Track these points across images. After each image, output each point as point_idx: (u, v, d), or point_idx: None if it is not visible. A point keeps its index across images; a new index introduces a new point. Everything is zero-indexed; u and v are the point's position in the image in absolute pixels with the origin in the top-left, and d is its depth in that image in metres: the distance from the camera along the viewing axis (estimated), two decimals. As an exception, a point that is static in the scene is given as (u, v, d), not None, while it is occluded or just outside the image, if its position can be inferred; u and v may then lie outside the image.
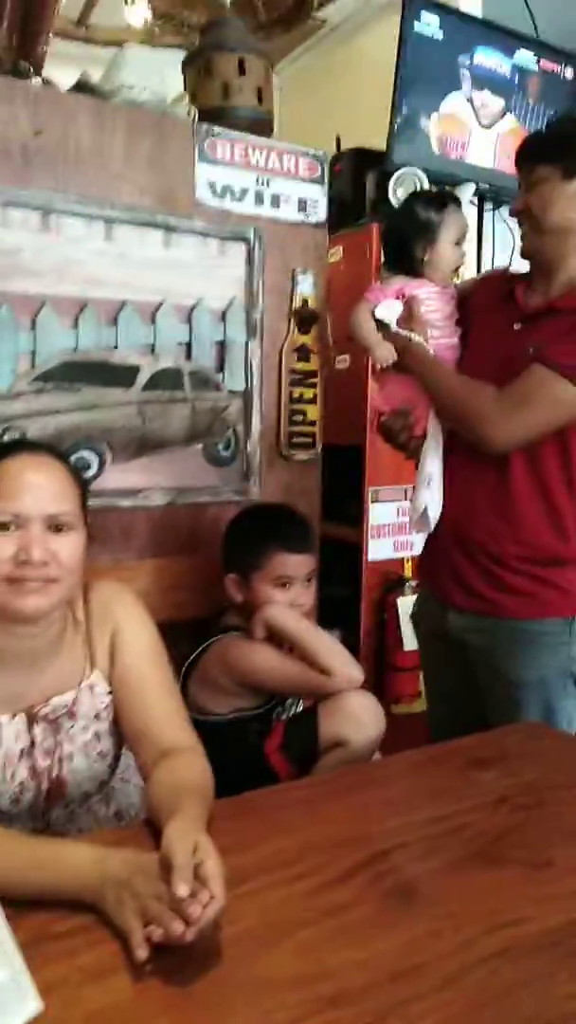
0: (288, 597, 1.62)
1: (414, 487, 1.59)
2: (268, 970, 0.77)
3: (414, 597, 2.46)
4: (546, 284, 1.51)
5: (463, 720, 1.54)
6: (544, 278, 1.51)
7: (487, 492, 1.50)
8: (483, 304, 1.60)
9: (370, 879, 0.92)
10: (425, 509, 1.55)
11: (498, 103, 2.69)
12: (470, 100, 2.63)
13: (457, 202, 1.62)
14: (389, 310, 1.57)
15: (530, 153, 1.49)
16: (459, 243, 1.60)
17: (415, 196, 1.70)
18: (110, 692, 1.22)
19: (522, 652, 1.50)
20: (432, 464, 1.55)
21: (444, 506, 1.55)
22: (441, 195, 1.66)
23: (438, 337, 1.57)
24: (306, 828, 1.04)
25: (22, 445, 1.23)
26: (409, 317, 1.57)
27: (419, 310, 1.57)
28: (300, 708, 1.68)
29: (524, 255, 1.54)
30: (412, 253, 1.58)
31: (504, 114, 2.71)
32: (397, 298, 1.58)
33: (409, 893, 0.90)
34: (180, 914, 0.76)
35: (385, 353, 1.56)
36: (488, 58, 2.64)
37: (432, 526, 1.57)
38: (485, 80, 2.65)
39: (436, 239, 1.57)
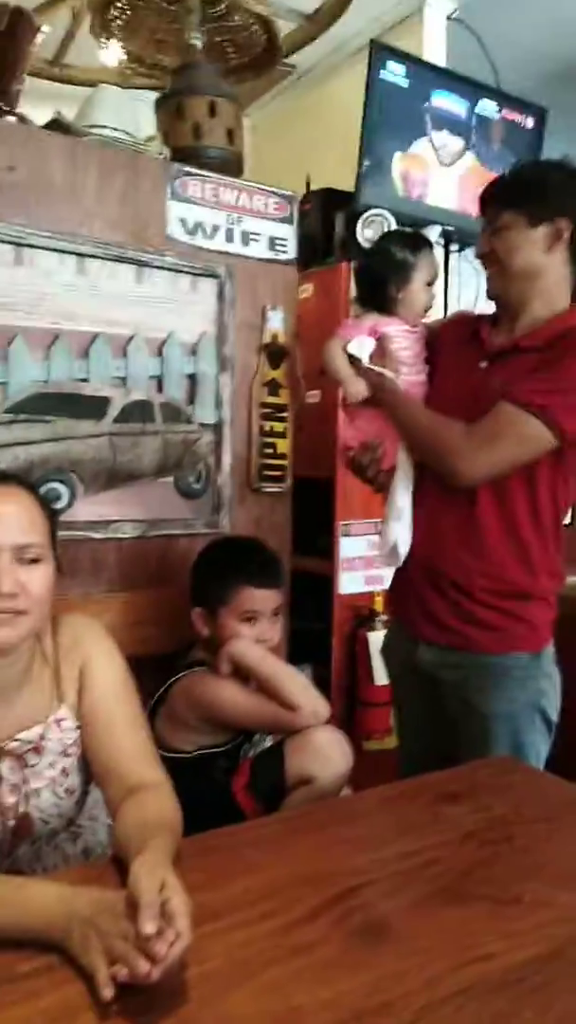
0: (254, 632, 1.61)
1: (383, 521, 1.61)
2: (235, 1009, 0.76)
3: (385, 631, 2.48)
4: (511, 324, 1.54)
5: (434, 755, 1.54)
6: (509, 318, 1.55)
7: (456, 526, 1.52)
8: (450, 343, 1.63)
9: (337, 917, 0.92)
10: (395, 543, 1.57)
11: (457, 143, 2.78)
12: (431, 140, 2.72)
13: (430, 244, 1.66)
14: (362, 346, 1.59)
15: (495, 198, 1.52)
16: (430, 284, 1.64)
17: (390, 236, 1.74)
18: (78, 727, 1.21)
19: (491, 686, 1.51)
20: (402, 498, 1.57)
21: (413, 540, 1.57)
22: (416, 236, 1.69)
23: (407, 374, 1.60)
24: (273, 866, 1.03)
25: None
26: (381, 353, 1.60)
27: (391, 347, 1.60)
28: (267, 744, 1.67)
29: (490, 296, 1.58)
30: (386, 291, 1.61)
31: (463, 153, 2.79)
32: (370, 335, 1.60)
33: (376, 931, 0.90)
34: (146, 952, 0.75)
35: (358, 388, 1.59)
36: (446, 100, 2.72)
37: (401, 560, 1.58)
38: (444, 121, 2.74)
39: (410, 279, 1.60)
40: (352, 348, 1.60)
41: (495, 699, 1.50)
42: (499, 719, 1.50)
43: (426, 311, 1.66)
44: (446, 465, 1.48)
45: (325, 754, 1.48)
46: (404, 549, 1.57)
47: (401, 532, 1.56)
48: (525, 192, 1.49)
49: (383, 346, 1.60)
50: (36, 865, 1.19)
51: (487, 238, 1.52)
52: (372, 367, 1.59)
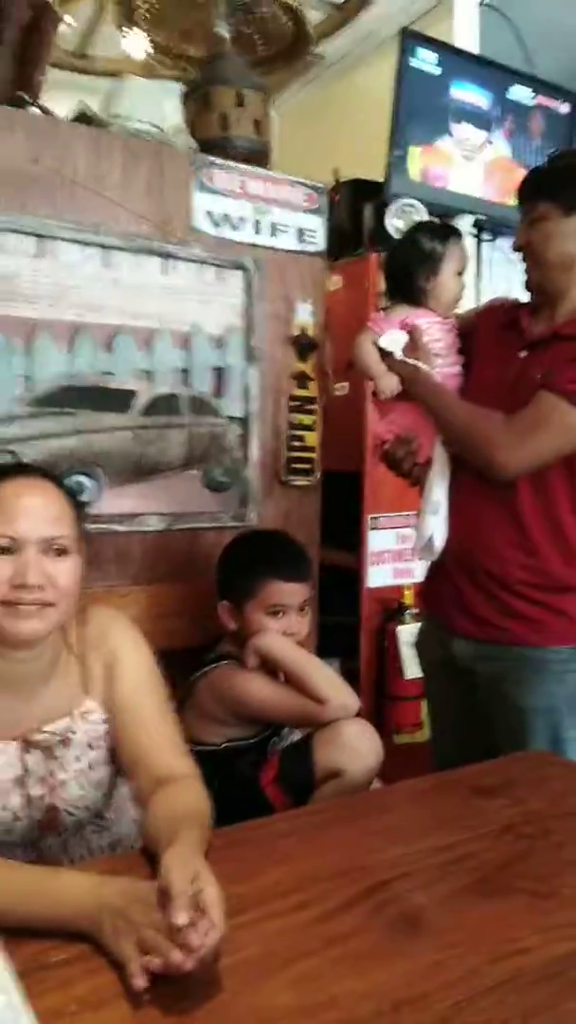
0: (281, 625, 1.60)
1: (418, 514, 1.59)
2: (269, 999, 0.75)
3: (414, 625, 2.46)
4: (550, 313, 1.52)
5: (468, 750, 1.51)
6: (548, 308, 1.53)
7: (494, 519, 1.50)
8: (487, 333, 1.60)
9: (372, 908, 0.90)
10: (431, 537, 1.54)
11: (480, 135, 2.75)
12: (451, 133, 2.69)
13: (459, 234, 1.63)
14: (393, 340, 1.57)
15: (530, 189, 1.50)
16: (460, 274, 1.61)
17: (419, 227, 1.70)
18: (105, 720, 1.20)
19: (529, 679, 1.48)
20: (439, 492, 1.55)
21: (449, 533, 1.55)
22: (445, 226, 1.67)
23: (441, 366, 1.57)
24: (305, 858, 1.02)
25: (19, 469, 1.22)
26: (413, 346, 1.57)
27: (423, 340, 1.57)
28: (295, 738, 1.66)
29: (528, 288, 1.56)
30: (415, 283, 1.58)
31: (485, 145, 2.76)
32: (401, 328, 1.58)
33: (412, 922, 0.88)
34: (179, 943, 0.74)
35: (390, 383, 1.56)
36: (468, 92, 2.69)
37: (438, 553, 1.56)
38: (465, 114, 2.70)
39: (439, 269, 1.57)
40: (383, 342, 1.57)
41: (533, 693, 1.48)
42: (537, 713, 1.47)
43: (457, 302, 1.63)
44: (485, 457, 1.46)
45: (354, 747, 1.46)
46: (440, 543, 1.55)
47: (437, 526, 1.54)
48: (560, 182, 1.47)
49: (415, 339, 1.57)
50: (63, 857, 1.19)
51: (523, 229, 1.50)
52: (406, 360, 1.56)
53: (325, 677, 1.53)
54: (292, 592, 1.61)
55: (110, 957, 0.79)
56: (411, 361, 1.56)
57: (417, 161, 2.60)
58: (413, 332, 1.57)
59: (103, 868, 0.95)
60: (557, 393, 1.39)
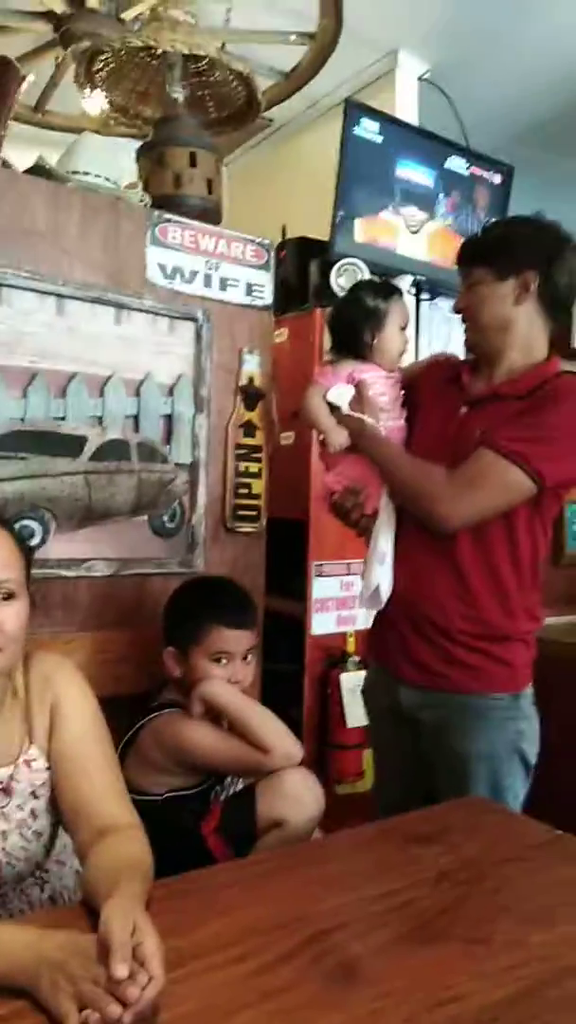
0: (226, 673, 1.61)
1: (365, 564, 1.61)
2: (208, 1054, 0.75)
3: (357, 673, 2.49)
4: (489, 372, 1.58)
5: (413, 798, 1.53)
6: (487, 367, 1.59)
7: (436, 569, 1.53)
8: (431, 386, 1.66)
9: (311, 959, 0.91)
10: (377, 586, 1.56)
11: (422, 215, 2.90)
12: (398, 211, 2.83)
13: (399, 292, 1.69)
14: (341, 394, 1.61)
15: (467, 256, 1.58)
16: (403, 329, 1.66)
17: (361, 285, 1.76)
18: (48, 767, 1.19)
19: (470, 727, 1.51)
20: (385, 542, 1.58)
21: (394, 583, 1.57)
22: (386, 284, 1.73)
23: (386, 420, 1.62)
24: (246, 909, 1.02)
25: None
26: (359, 400, 1.61)
27: (369, 393, 1.61)
28: (238, 787, 1.65)
29: (468, 347, 1.63)
30: (361, 338, 1.63)
31: (427, 222, 2.91)
32: (348, 382, 1.62)
33: (350, 972, 0.89)
34: (118, 996, 0.74)
35: (339, 437, 1.60)
36: (413, 172, 2.85)
37: (383, 603, 1.58)
38: (410, 195, 2.86)
39: (383, 325, 1.62)
40: (331, 396, 1.61)
41: (474, 739, 1.51)
42: (478, 759, 1.50)
43: (401, 356, 1.69)
44: (427, 510, 1.50)
45: (297, 797, 1.47)
46: (386, 592, 1.57)
47: (384, 575, 1.57)
48: (492, 248, 1.54)
49: (361, 392, 1.62)
50: (1, 911, 1.17)
51: (463, 294, 1.58)
52: (352, 414, 1.60)
53: (269, 725, 1.54)
54: (237, 639, 1.63)
55: (48, 1013, 0.78)
56: (357, 415, 1.60)
57: (363, 231, 2.70)
58: (360, 386, 1.62)
59: (43, 921, 0.94)
60: (495, 451, 1.44)
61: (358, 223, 2.68)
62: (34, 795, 1.18)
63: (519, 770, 1.53)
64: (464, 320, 1.60)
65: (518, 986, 0.87)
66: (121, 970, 0.75)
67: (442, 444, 1.54)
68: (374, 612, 1.66)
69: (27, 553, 1.20)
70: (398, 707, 1.60)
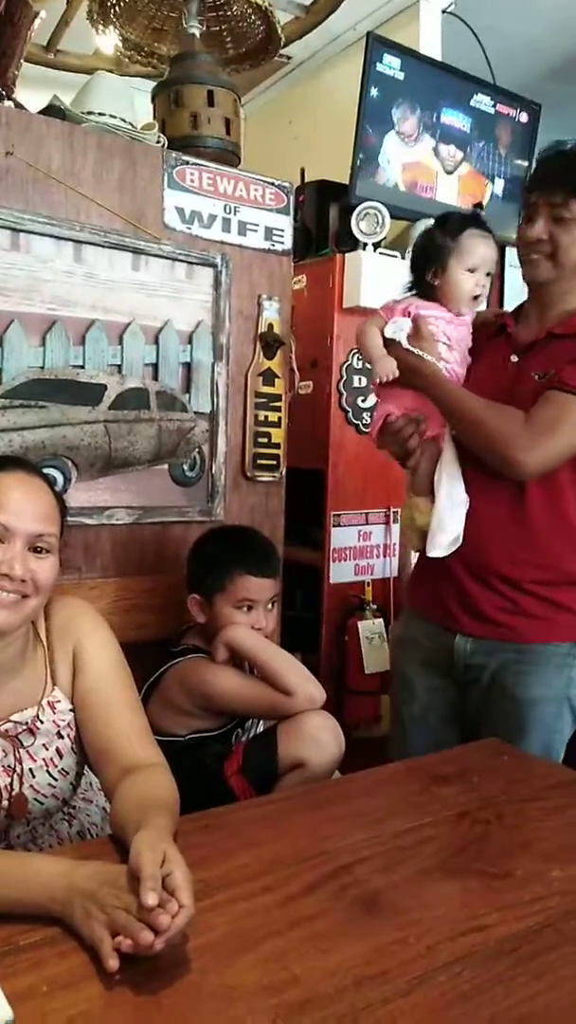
0: (250, 620, 1.63)
1: (435, 512, 1.52)
2: (236, 978, 0.78)
3: (374, 620, 2.51)
4: (540, 314, 1.52)
5: (440, 745, 1.53)
6: (539, 308, 1.52)
7: (503, 518, 1.48)
8: (477, 342, 1.59)
9: (335, 891, 0.94)
10: (459, 533, 1.50)
11: (459, 153, 2.82)
12: (436, 151, 2.75)
13: (476, 228, 1.53)
14: (398, 328, 1.52)
15: (561, 183, 1.43)
16: (473, 271, 1.52)
17: (441, 217, 1.60)
18: (72, 709, 1.22)
19: (531, 671, 1.49)
20: (461, 487, 1.51)
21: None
22: (464, 219, 1.56)
23: (449, 361, 1.54)
24: (270, 843, 1.05)
25: (18, 462, 1.24)
26: (417, 335, 1.53)
27: (427, 328, 1.52)
28: (259, 729, 1.69)
29: (534, 281, 1.52)
30: (423, 276, 1.54)
31: (463, 161, 2.84)
32: (403, 315, 1.53)
33: (373, 904, 0.92)
34: (149, 924, 0.77)
35: (388, 366, 1.50)
36: (454, 118, 2.77)
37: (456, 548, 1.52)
38: (451, 137, 2.77)
39: (447, 265, 1.51)
40: (389, 331, 1.52)
41: (533, 685, 1.48)
42: (534, 704, 1.49)
43: (471, 299, 1.54)
44: (503, 455, 1.42)
45: (318, 739, 1.49)
46: (460, 539, 1.51)
47: (462, 521, 1.50)
48: None
49: (420, 327, 1.53)
50: (31, 846, 1.21)
51: (546, 224, 1.45)
52: (412, 349, 1.51)
53: (292, 669, 1.56)
54: (261, 587, 1.64)
55: (81, 940, 0.81)
56: (416, 351, 1.51)
57: (385, 173, 2.64)
58: (417, 321, 1.53)
59: (73, 854, 0.97)
60: (567, 392, 1.38)
61: (381, 164, 2.61)
62: (59, 735, 1.21)
63: (568, 714, 1.52)
64: (532, 250, 1.47)
65: (539, 918, 0.89)
66: (152, 898, 0.77)
67: (496, 394, 1.47)
68: (413, 560, 1.62)
69: (64, 512, 1.22)
70: (447, 657, 1.57)
